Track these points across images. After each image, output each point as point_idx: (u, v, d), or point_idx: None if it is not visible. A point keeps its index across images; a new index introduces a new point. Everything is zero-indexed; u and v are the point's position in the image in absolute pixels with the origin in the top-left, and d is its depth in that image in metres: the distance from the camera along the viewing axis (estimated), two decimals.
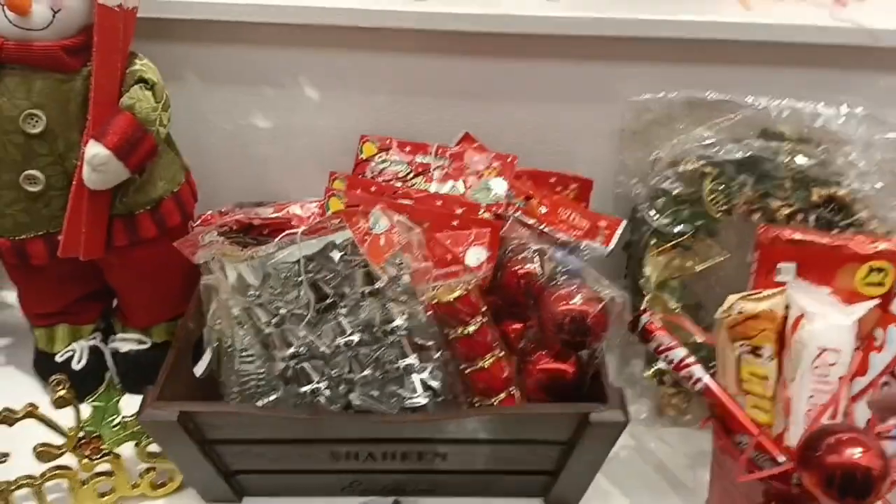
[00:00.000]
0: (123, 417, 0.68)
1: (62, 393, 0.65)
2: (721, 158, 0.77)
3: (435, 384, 0.65)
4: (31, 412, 0.65)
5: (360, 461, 0.67)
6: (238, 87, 0.84)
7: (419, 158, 0.79)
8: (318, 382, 0.64)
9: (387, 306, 0.63)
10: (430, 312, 0.65)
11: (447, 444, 0.65)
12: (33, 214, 0.71)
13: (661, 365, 0.81)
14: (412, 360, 0.64)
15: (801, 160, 0.76)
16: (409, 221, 0.63)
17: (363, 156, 0.81)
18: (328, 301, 0.61)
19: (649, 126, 0.82)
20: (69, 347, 0.81)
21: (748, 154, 0.77)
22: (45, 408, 0.65)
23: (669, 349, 0.66)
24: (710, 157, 0.78)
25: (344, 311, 0.62)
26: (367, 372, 0.64)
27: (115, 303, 0.86)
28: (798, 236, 0.65)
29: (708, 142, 0.79)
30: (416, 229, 0.63)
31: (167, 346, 0.83)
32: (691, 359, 0.65)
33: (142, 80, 0.69)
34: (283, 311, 0.61)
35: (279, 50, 0.81)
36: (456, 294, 0.65)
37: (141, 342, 0.83)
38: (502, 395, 0.68)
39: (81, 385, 0.72)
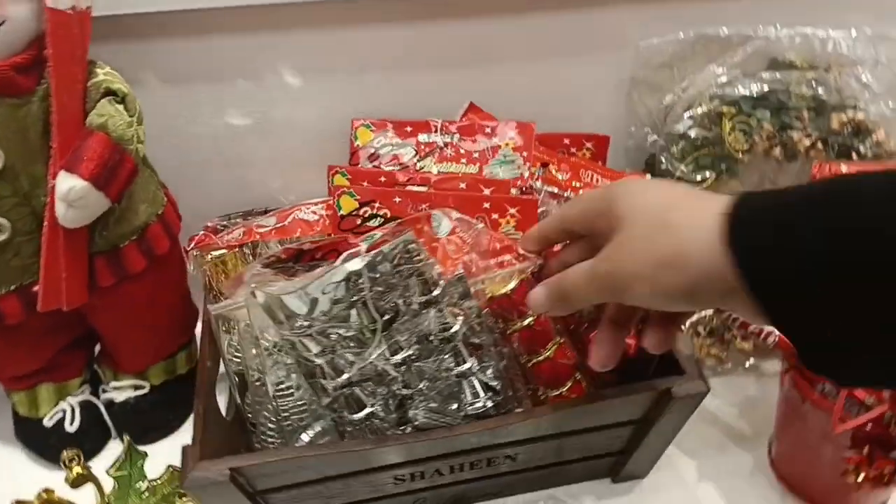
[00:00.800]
0: (150, 481, 0.60)
1: (78, 469, 0.56)
2: (736, 96, 0.74)
3: (495, 384, 0.60)
4: (48, 500, 0.56)
5: (427, 479, 0.61)
6: (207, 84, 0.73)
7: (423, 138, 0.71)
8: (371, 406, 0.57)
9: (443, 312, 0.57)
10: (485, 309, 0.59)
11: (517, 445, 0.61)
12: (1, 267, 0.60)
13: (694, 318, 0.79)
14: (470, 363, 0.58)
15: (815, 88, 0.74)
16: (466, 217, 0.56)
17: (358, 142, 0.72)
18: (384, 319, 0.54)
19: (659, 70, 0.77)
20: (57, 408, 0.70)
21: (762, 88, 0.74)
22: (57, 481, 0.57)
23: None
24: (724, 95, 0.74)
25: (400, 326, 0.55)
26: (422, 385, 0.58)
27: (97, 348, 0.75)
28: (855, 171, 0.63)
29: (721, 80, 0.75)
30: (479, 224, 0.56)
31: (168, 388, 0.75)
32: None
33: (109, 93, 0.58)
34: (333, 336, 0.53)
35: (249, 36, 0.70)
36: (512, 285, 0.59)
37: (138, 387, 0.72)
38: (569, 384, 0.63)
39: (80, 446, 0.62)
